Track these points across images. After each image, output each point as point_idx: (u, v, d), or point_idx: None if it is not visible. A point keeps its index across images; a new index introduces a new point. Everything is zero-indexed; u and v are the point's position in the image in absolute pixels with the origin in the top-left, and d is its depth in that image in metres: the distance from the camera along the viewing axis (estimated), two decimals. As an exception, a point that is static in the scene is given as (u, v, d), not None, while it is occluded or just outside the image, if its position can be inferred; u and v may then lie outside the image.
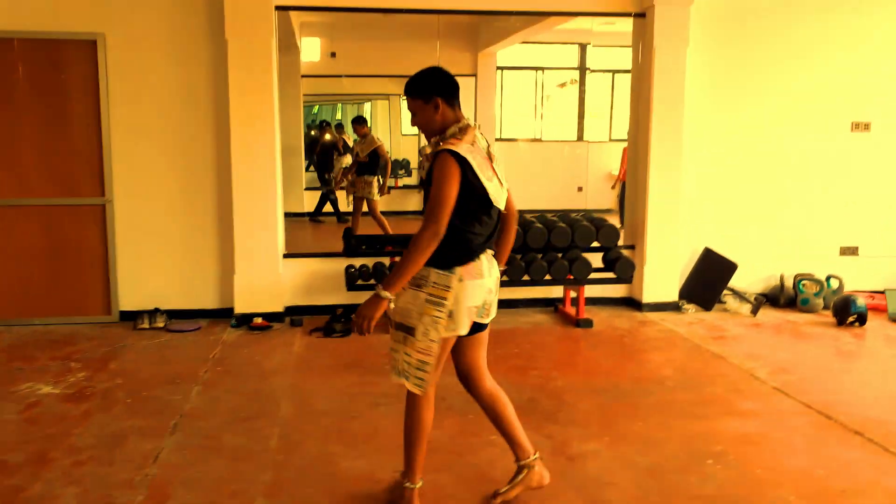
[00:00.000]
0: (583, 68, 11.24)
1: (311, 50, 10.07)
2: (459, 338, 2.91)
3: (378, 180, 8.31)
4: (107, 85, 5.72)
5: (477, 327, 2.92)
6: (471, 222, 2.81)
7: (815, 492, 3.22)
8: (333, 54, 10.27)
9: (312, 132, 10.93)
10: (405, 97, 2.91)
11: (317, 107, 11.79)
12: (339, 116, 11.58)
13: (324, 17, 10.47)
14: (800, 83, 6.60)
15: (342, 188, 8.75)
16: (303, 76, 9.89)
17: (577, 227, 5.99)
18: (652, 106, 6.22)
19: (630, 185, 6.73)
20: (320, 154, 9.97)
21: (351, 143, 9.28)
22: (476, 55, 10.67)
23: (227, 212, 5.90)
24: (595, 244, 6.14)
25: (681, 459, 3.52)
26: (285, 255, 6.12)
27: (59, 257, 5.87)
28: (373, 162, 8.36)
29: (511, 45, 10.80)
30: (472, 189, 2.76)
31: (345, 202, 8.78)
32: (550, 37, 10.57)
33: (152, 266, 6.00)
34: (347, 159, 8.85)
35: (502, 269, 3.06)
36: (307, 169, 10.22)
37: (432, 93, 2.84)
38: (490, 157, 2.85)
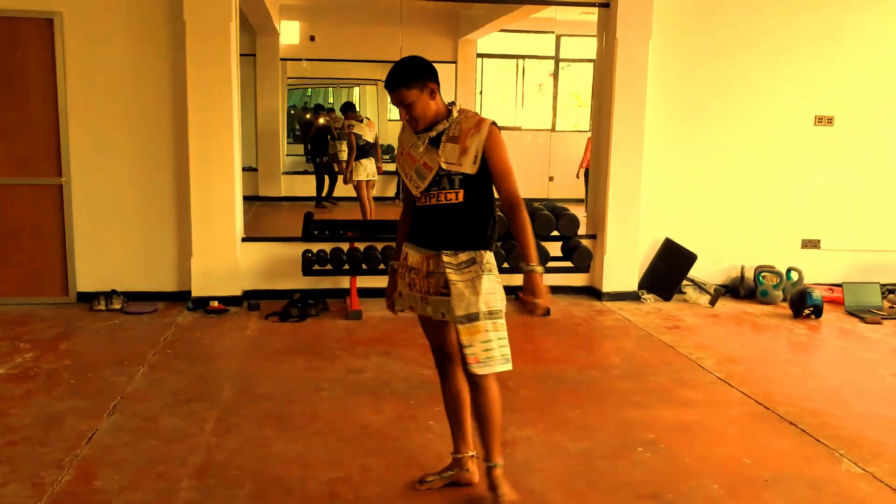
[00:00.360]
0: (558, 59, 11.24)
1: (290, 33, 10.05)
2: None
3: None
4: (64, 64, 5.68)
5: None
6: (491, 201, 2.92)
7: (738, 480, 3.25)
8: (312, 38, 10.25)
9: (308, 116, 10.95)
10: (393, 91, 2.77)
11: (309, 90, 11.79)
12: (331, 101, 11.59)
13: (303, 1, 10.45)
14: (763, 76, 6.61)
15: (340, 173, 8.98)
16: (282, 59, 9.89)
17: (537, 216, 5.99)
18: (614, 96, 6.22)
19: (592, 175, 6.74)
20: (314, 138, 9.98)
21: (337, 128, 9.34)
22: (456, 42, 10.66)
23: (185, 194, 5.87)
24: (555, 233, 6.15)
25: (612, 446, 3.55)
26: (244, 239, 6.11)
27: (16, 237, 5.85)
28: (376, 143, 8.62)
29: (490, 32, 10.80)
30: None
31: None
32: (527, 25, 10.58)
33: (110, 247, 5.97)
34: (343, 146, 8.90)
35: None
36: (307, 152, 10.26)
37: (426, 79, 2.78)
38: None
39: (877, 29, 6.72)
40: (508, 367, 2.87)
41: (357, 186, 8.45)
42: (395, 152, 3.04)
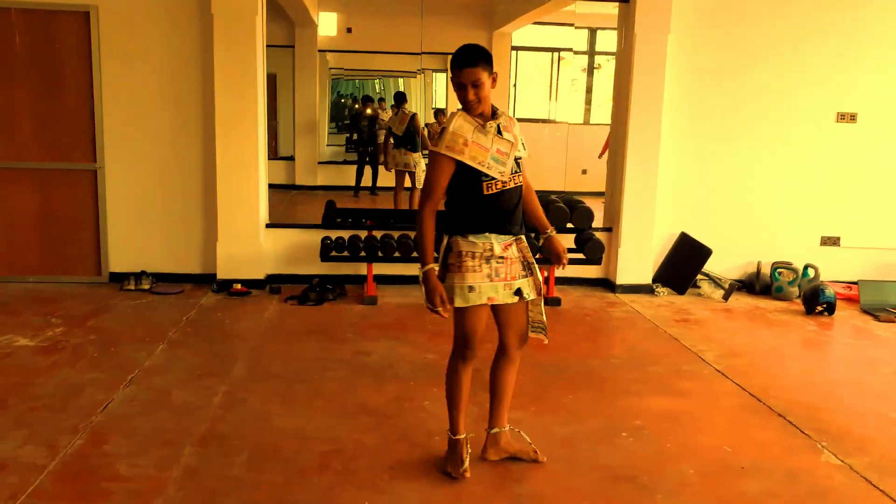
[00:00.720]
0: (592, 52, 11.28)
1: (328, 25, 10.26)
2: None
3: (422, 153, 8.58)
4: (99, 55, 5.96)
5: None
6: None
7: (715, 467, 3.35)
8: (349, 30, 10.45)
9: (357, 106, 11.19)
10: (472, 66, 2.86)
11: (351, 82, 11.99)
12: (378, 90, 11.78)
13: (341, -7, 10.64)
14: (785, 71, 6.60)
15: (382, 163, 9.14)
16: (320, 50, 10.12)
17: (552, 208, 6.10)
18: (632, 90, 6.29)
19: (610, 169, 6.81)
20: (361, 128, 10.20)
21: (387, 118, 9.54)
22: (491, 34, 10.75)
23: (212, 181, 6.13)
24: (570, 225, 6.26)
25: (598, 432, 3.67)
26: (269, 225, 6.34)
27: (53, 220, 6.17)
28: (409, 135, 8.61)
29: (523, 25, 10.87)
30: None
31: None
32: (562, 18, 10.62)
33: (141, 230, 6.26)
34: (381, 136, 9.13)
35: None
36: (349, 142, 10.50)
37: (492, 67, 2.93)
38: None
39: (902, 25, 6.66)
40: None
41: (414, 175, 8.67)
42: (445, 146, 2.94)
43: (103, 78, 6.00)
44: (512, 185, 3.03)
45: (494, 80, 2.96)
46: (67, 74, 5.99)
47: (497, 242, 3.00)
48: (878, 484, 3.23)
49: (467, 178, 2.97)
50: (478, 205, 2.99)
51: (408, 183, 8.74)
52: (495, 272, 3.00)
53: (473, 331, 3.07)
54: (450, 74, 2.97)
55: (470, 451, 3.20)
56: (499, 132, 2.99)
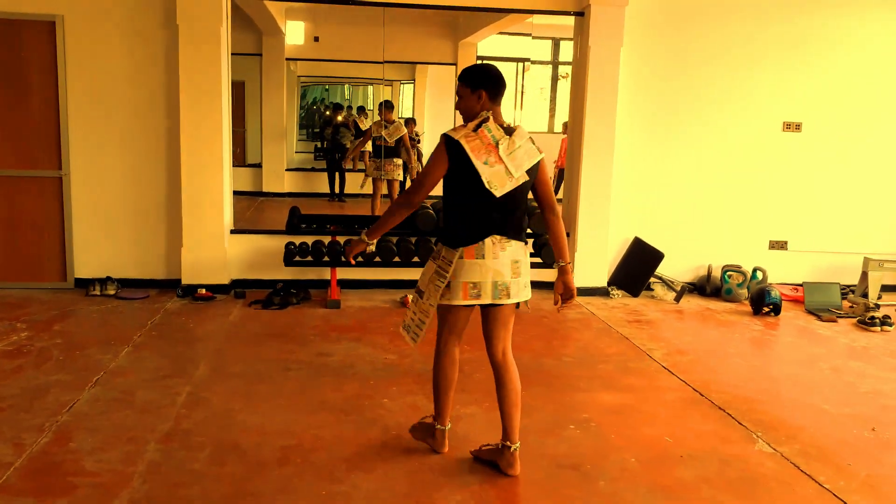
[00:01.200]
0: (556, 62, 11.53)
1: (295, 34, 10.39)
2: (482, 308, 3.32)
3: (404, 164, 8.73)
4: (65, 64, 6.05)
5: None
6: (466, 203, 3.19)
7: (656, 456, 3.56)
8: (317, 38, 10.58)
9: (326, 112, 11.31)
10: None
11: (320, 89, 12.09)
12: (347, 97, 11.91)
13: (308, 3, 10.77)
14: (733, 82, 6.89)
15: (360, 170, 9.25)
16: (287, 59, 10.24)
17: (510, 213, 6.30)
18: (586, 100, 6.53)
19: (566, 175, 7.04)
20: (333, 134, 10.32)
21: (365, 127, 9.64)
22: (456, 44, 10.95)
23: (177, 187, 6.24)
24: (528, 230, 6.44)
25: (546, 424, 3.86)
26: (233, 231, 6.46)
27: (18, 226, 6.23)
28: (398, 146, 8.77)
29: (487, 36, 11.07)
30: (464, 171, 3.12)
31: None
32: (527, 28, 10.85)
33: (106, 237, 6.34)
34: (368, 145, 9.25)
35: (562, 264, 3.34)
36: (319, 149, 10.60)
37: (479, 86, 3.16)
38: (496, 146, 3.14)
39: (843, 39, 6.98)
40: (409, 343, 3.44)
41: (393, 184, 8.80)
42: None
43: (68, 86, 6.09)
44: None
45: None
46: (33, 82, 6.07)
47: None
48: (805, 469, 3.46)
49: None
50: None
51: (384, 190, 8.90)
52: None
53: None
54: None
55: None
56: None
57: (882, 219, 7.27)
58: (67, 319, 5.49)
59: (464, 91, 3.20)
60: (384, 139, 8.76)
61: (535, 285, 6.72)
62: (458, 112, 3.27)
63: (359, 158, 9.69)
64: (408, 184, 8.77)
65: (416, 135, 9.63)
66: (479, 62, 3.31)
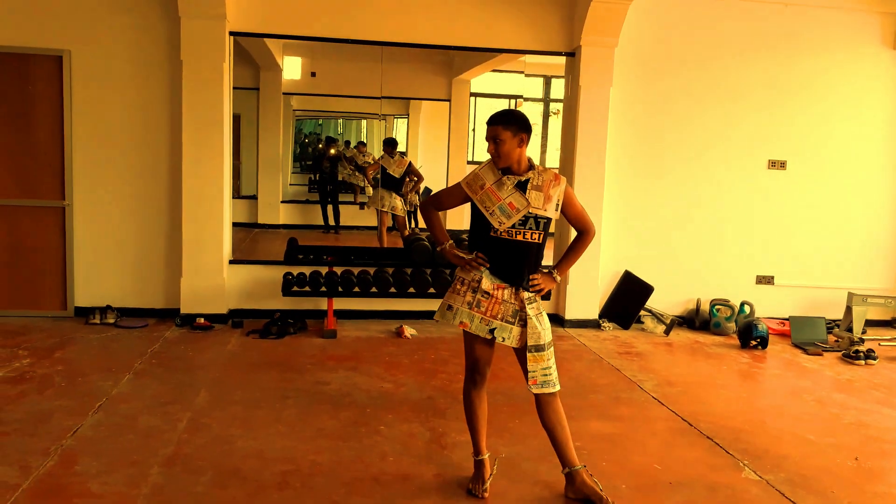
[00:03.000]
0: (547, 100, 11.78)
1: (292, 69, 10.61)
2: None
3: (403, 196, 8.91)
4: (71, 97, 6.22)
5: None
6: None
7: (645, 483, 3.66)
8: (314, 74, 10.80)
9: (320, 146, 11.49)
10: (491, 125, 3.29)
11: (314, 122, 12.26)
12: (340, 131, 12.10)
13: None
14: (720, 122, 7.12)
15: (357, 203, 9.48)
16: (284, 93, 10.44)
17: (503, 246, 6.45)
18: (577, 137, 6.72)
19: (559, 210, 7.19)
20: (331, 168, 10.48)
21: (361, 161, 9.83)
22: (450, 81, 11.19)
23: (177, 218, 6.37)
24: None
25: (539, 451, 3.96)
26: (232, 262, 6.58)
27: (20, 255, 6.34)
28: (402, 179, 8.97)
29: (481, 73, 11.33)
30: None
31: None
32: (520, 66, 11.11)
33: (107, 266, 6.46)
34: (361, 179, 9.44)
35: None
36: (313, 180, 10.75)
37: (521, 130, 3.29)
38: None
39: (826, 79, 7.22)
40: (558, 387, 3.44)
41: (398, 217, 8.95)
42: (466, 182, 3.37)
43: (74, 119, 6.25)
44: (521, 238, 3.32)
45: (522, 142, 3.31)
46: (39, 115, 6.23)
47: (487, 278, 3.34)
48: (790, 496, 3.57)
49: (480, 216, 3.35)
50: (484, 243, 3.36)
51: (389, 222, 9.03)
52: (476, 303, 3.35)
53: (473, 356, 3.46)
54: None
55: (495, 471, 3.54)
56: (522, 188, 3.30)
57: (865, 255, 7.47)
58: (68, 347, 5.57)
59: (505, 135, 3.27)
60: (391, 173, 8.96)
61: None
62: (493, 155, 3.30)
63: (359, 192, 9.80)
64: (411, 220, 8.94)
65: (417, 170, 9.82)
66: (506, 109, 3.42)
